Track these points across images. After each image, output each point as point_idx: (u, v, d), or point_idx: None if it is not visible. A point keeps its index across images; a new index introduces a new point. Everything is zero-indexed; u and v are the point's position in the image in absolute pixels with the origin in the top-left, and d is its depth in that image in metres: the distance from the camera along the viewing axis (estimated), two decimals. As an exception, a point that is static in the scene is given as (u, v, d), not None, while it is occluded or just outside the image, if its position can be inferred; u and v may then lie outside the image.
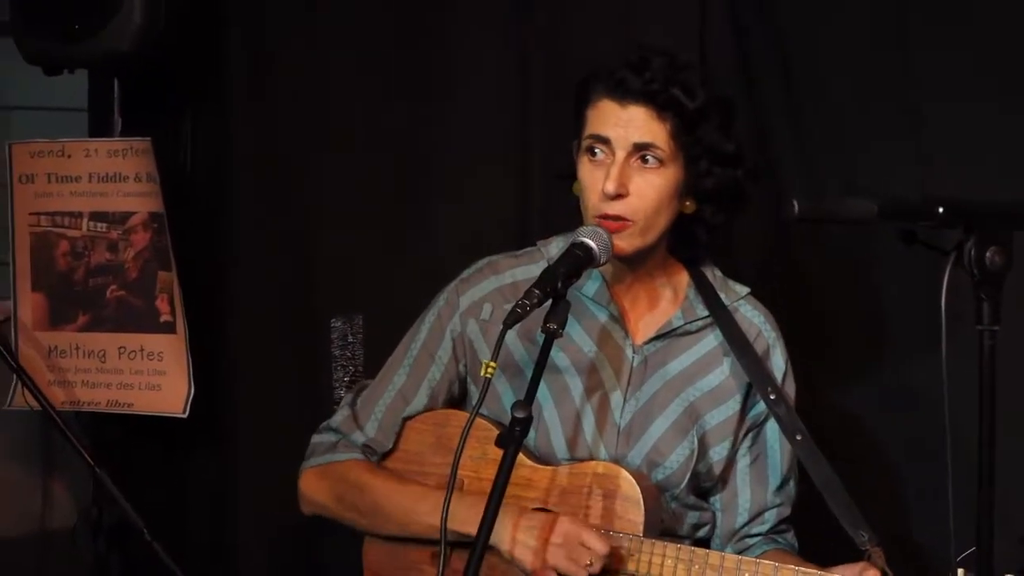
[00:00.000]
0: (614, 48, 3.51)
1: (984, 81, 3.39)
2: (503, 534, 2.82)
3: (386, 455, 3.07)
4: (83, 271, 4.02)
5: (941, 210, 2.18)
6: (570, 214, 2.98)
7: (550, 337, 2.69)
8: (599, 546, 2.78)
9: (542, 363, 2.69)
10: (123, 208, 3.97)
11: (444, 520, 2.64)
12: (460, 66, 3.90)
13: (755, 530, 3.03)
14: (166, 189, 3.91)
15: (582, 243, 2.79)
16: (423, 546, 2.94)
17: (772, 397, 2.93)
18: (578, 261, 2.78)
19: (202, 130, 4.10)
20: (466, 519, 2.75)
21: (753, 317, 3.03)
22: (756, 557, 2.92)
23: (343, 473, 3.06)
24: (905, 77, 3.48)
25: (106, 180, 3.98)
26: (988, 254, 2.18)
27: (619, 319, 2.99)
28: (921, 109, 3.45)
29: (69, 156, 4.00)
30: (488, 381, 2.63)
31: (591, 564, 2.78)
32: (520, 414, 2.61)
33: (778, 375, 3.00)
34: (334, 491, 3.06)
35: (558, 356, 2.97)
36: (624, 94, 2.85)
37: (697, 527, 3.01)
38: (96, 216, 4.00)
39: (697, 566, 2.80)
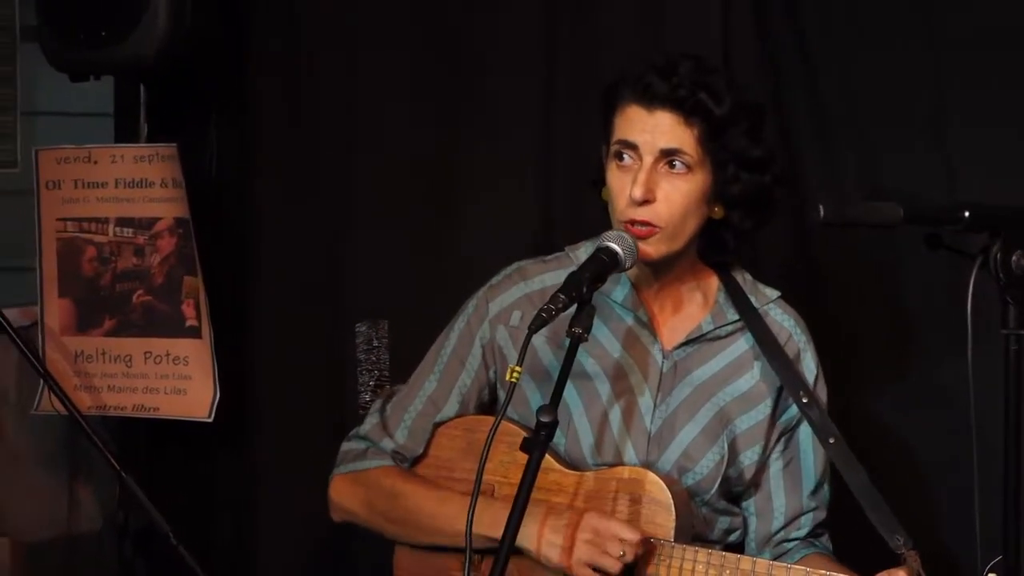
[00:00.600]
0: (639, 52, 3.52)
1: (1012, 85, 3.38)
2: (530, 534, 2.81)
3: (416, 461, 3.07)
4: (109, 276, 4.03)
5: (967, 214, 2.17)
6: (596, 219, 2.98)
7: (575, 341, 2.68)
8: (630, 535, 2.77)
9: (567, 367, 2.68)
10: (149, 214, 3.99)
11: (469, 524, 2.63)
12: (487, 70, 3.89)
13: (792, 535, 3.02)
14: (192, 194, 3.92)
15: (607, 247, 2.78)
16: (454, 553, 2.92)
17: (805, 401, 2.92)
18: (603, 265, 2.77)
19: (228, 135, 4.12)
20: (494, 523, 2.74)
21: (783, 321, 3.02)
22: (794, 562, 2.92)
23: (374, 480, 3.05)
24: (933, 80, 3.46)
25: (132, 186, 3.99)
26: (1014, 258, 2.18)
27: (648, 324, 2.99)
28: (947, 112, 3.43)
29: (95, 162, 4.02)
30: (513, 386, 2.62)
31: (624, 555, 2.77)
32: (545, 418, 2.60)
33: (810, 378, 2.99)
34: (364, 498, 3.06)
35: (587, 361, 2.97)
36: (651, 99, 2.85)
37: (728, 532, 3.00)
38: (122, 222, 4.01)
39: (728, 571, 2.79)
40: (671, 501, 2.84)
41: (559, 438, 2.92)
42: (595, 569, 2.79)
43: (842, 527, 3.03)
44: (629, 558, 2.78)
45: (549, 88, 3.85)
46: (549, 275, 3.02)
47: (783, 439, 3.02)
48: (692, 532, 2.89)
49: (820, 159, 3.58)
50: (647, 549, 2.81)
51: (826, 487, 3.04)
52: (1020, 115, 3.37)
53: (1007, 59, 3.38)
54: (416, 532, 3.00)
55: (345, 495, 3.09)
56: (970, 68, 3.43)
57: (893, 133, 3.49)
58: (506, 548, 2.56)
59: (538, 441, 2.61)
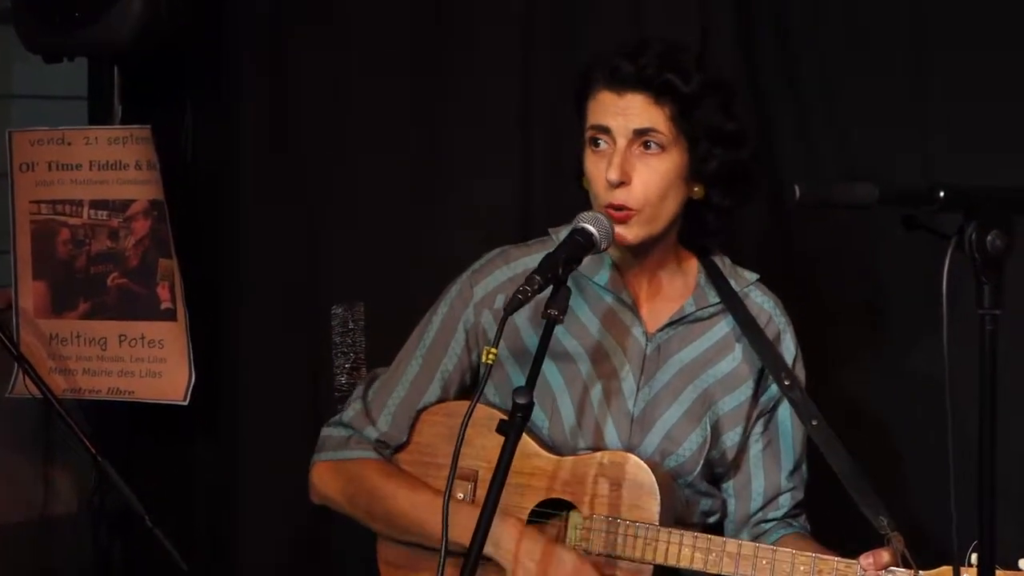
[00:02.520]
0: (618, 37, 3.51)
1: (991, 64, 3.38)
2: (505, 549, 2.83)
3: (399, 448, 3.06)
4: (84, 259, 4.02)
5: (942, 194, 2.17)
6: (576, 205, 2.97)
7: (551, 323, 2.67)
8: None
9: (543, 349, 2.67)
10: (123, 196, 3.98)
11: (445, 523, 2.60)
12: (467, 57, 3.89)
13: (770, 515, 3.03)
14: (166, 177, 3.92)
15: (582, 229, 2.78)
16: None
17: (786, 383, 2.93)
18: (578, 247, 2.76)
19: (203, 117, 4.12)
20: (467, 529, 2.65)
21: (763, 303, 3.03)
22: (773, 542, 2.93)
23: (356, 474, 3.05)
24: (913, 62, 3.47)
25: (106, 168, 3.99)
26: (989, 238, 2.18)
27: (631, 307, 2.99)
28: (926, 92, 3.44)
29: (69, 144, 4.01)
30: (490, 368, 2.61)
31: None
32: (521, 400, 2.59)
33: (789, 360, 3.00)
34: (346, 492, 3.05)
35: (571, 344, 2.97)
36: (621, 82, 2.85)
37: (708, 514, 3.01)
38: (97, 204, 4.01)
39: (714, 554, 2.80)
40: (655, 484, 2.84)
41: (542, 421, 2.93)
42: None
43: (824, 509, 3.03)
44: None
45: (528, 74, 3.84)
46: (532, 258, 3.00)
47: (762, 420, 3.03)
48: (676, 515, 2.89)
49: (797, 141, 3.58)
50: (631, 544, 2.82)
51: (804, 467, 3.05)
52: (999, 94, 3.37)
53: (987, 37, 3.38)
54: (396, 532, 3.01)
55: (327, 483, 3.08)
56: (950, 45, 3.43)
57: (870, 115, 3.50)
58: (476, 547, 2.54)
59: (514, 423, 2.59)
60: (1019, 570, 2.61)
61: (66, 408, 3.79)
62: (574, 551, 2.85)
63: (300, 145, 4.00)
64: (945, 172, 3.33)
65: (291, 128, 4.00)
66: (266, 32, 4.02)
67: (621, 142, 2.84)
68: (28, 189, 4.03)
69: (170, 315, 3.95)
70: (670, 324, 2.99)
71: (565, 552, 2.84)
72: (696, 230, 2.99)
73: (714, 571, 2.81)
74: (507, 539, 2.83)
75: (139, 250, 3.97)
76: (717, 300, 3.00)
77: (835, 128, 3.54)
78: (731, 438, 3.00)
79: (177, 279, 3.92)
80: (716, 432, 2.97)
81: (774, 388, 2.99)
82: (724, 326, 3.01)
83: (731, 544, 2.80)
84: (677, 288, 3.02)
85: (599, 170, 2.86)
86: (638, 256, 2.96)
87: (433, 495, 2.94)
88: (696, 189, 2.90)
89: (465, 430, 2.58)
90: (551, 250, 2.84)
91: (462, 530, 2.67)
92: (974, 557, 2.34)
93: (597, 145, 2.88)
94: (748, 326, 2.97)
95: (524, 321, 2.89)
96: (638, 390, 2.96)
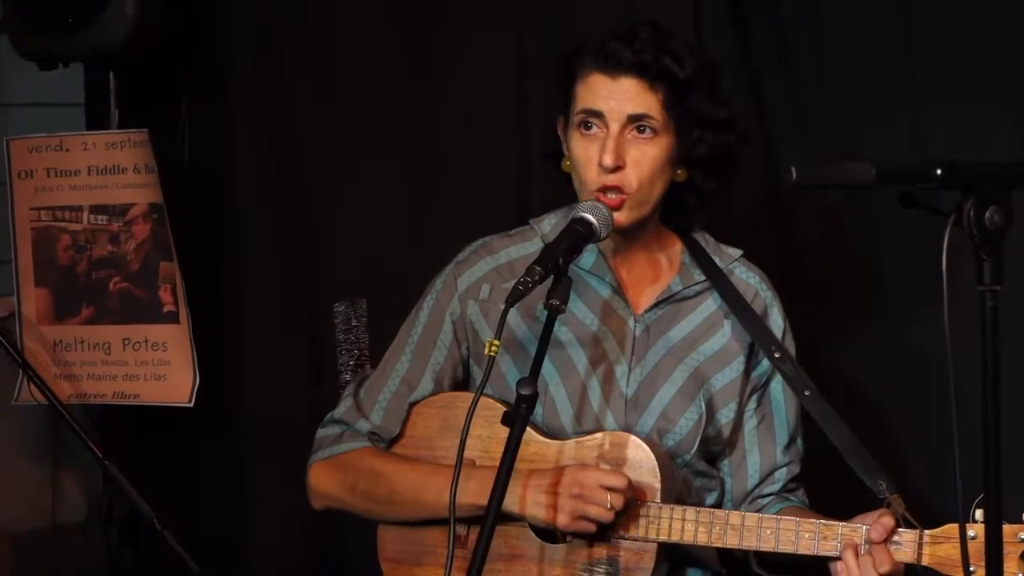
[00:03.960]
0: (610, 21, 3.52)
1: (983, 44, 3.39)
2: (513, 496, 2.80)
3: (393, 442, 3.06)
4: (85, 264, 4.03)
5: (939, 172, 2.17)
6: (570, 199, 2.97)
7: (553, 313, 2.68)
8: (616, 481, 2.78)
9: (546, 340, 2.68)
10: (123, 200, 3.99)
11: (453, 496, 2.63)
12: (461, 57, 3.89)
13: (767, 490, 3.04)
14: (165, 179, 3.92)
15: (582, 218, 2.78)
16: (439, 527, 2.93)
17: (777, 355, 2.94)
18: (579, 237, 2.77)
19: (200, 119, 4.11)
20: (477, 492, 2.75)
21: (748, 278, 3.04)
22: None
23: (353, 462, 3.04)
24: (904, 40, 3.48)
25: (105, 173, 3.99)
26: (987, 214, 2.18)
27: (617, 289, 2.99)
28: (919, 71, 3.45)
29: (67, 150, 4.01)
30: (492, 360, 2.62)
31: (612, 503, 2.77)
32: (525, 391, 2.60)
33: (778, 333, 3.01)
34: (345, 482, 3.05)
35: (561, 331, 2.96)
36: (615, 66, 2.85)
37: (707, 493, 3.01)
38: (96, 209, 4.01)
39: (718, 527, 2.80)
40: (655, 463, 2.85)
41: (536, 409, 2.90)
42: (587, 520, 2.80)
43: (822, 479, 3.04)
44: (619, 504, 2.78)
45: (522, 65, 3.84)
46: (515, 248, 3.03)
47: (755, 396, 3.04)
48: (676, 494, 2.90)
49: (792, 121, 3.59)
50: (636, 495, 2.81)
51: (800, 441, 3.06)
52: (992, 73, 3.38)
53: (978, 16, 3.39)
54: (401, 509, 2.99)
55: (325, 481, 3.08)
56: (942, 26, 3.44)
57: (864, 94, 3.51)
58: (492, 514, 2.55)
59: (519, 413, 2.60)
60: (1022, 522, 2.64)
61: (72, 414, 3.80)
62: (578, 467, 2.83)
63: (296, 145, 4.00)
64: (937, 145, 3.35)
65: (287, 128, 4.01)
66: (259, 33, 4.03)
67: (614, 126, 2.85)
68: (27, 196, 4.04)
69: (173, 318, 3.95)
70: (657, 304, 3.00)
71: (573, 471, 2.81)
72: (677, 211, 3.00)
73: (718, 545, 2.82)
74: (514, 489, 2.80)
75: (140, 254, 3.98)
76: (703, 278, 3.01)
77: (828, 103, 3.55)
78: (725, 415, 3.00)
79: (179, 281, 3.93)
80: (711, 409, 2.98)
81: (765, 363, 3.00)
82: (711, 303, 3.02)
83: (734, 516, 2.81)
84: (662, 268, 3.03)
85: (590, 154, 2.87)
86: (624, 238, 2.96)
87: (434, 466, 2.94)
88: (679, 172, 2.92)
89: (470, 420, 2.59)
90: (533, 240, 2.88)
91: (471, 490, 2.73)
92: (978, 513, 2.36)
93: (588, 128, 2.88)
94: (735, 302, 2.98)
95: (513, 313, 2.88)
96: (630, 371, 2.97)
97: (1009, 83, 3.36)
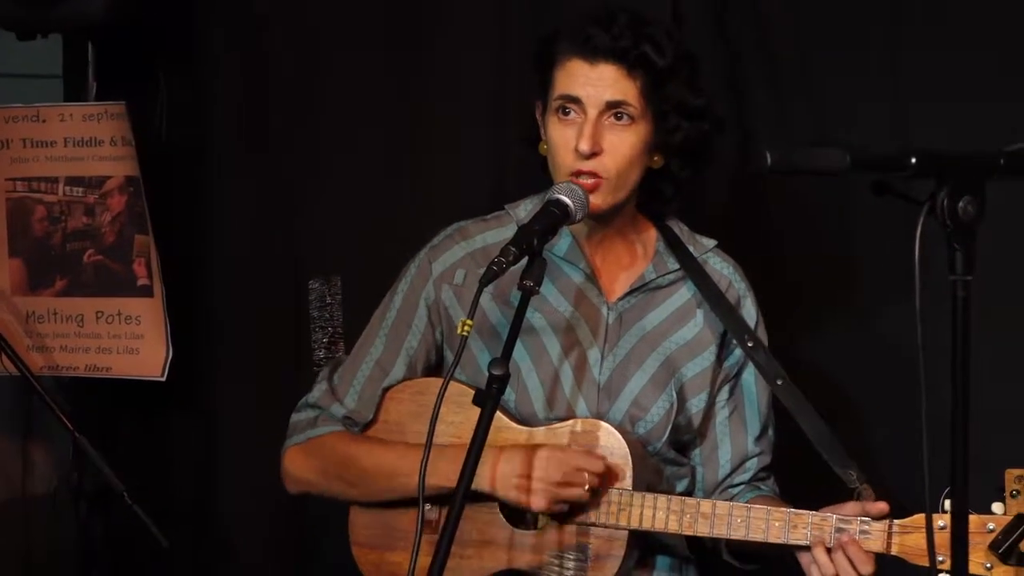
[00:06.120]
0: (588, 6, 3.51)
1: (964, 32, 3.40)
2: (483, 475, 2.79)
3: (367, 427, 3.05)
4: (60, 236, 4.02)
5: (913, 160, 2.17)
6: (550, 180, 2.96)
7: (527, 294, 2.67)
8: (590, 463, 2.79)
9: (519, 321, 2.67)
10: (99, 172, 3.98)
11: (422, 477, 2.63)
12: (443, 31, 3.88)
13: (738, 479, 3.04)
14: (142, 153, 3.91)
15: (558, 200, 2.77)
16: (410, 513, 2.91)
17: (750, 345, 2.94)
18: (554, 218, 2.76)
19: (177, 92, 4.10)
20: (447, 473, 2.72)
21: (723, 268, 3.04)
22: (742, 504, 2.95)
23: (327, 446, 3.04)
24: (884, 30, 3.48)
25: (82, 145, 3.98)
26: (961, 204, 2.18)
27: (591, 276, 2.99)
28: (900, 60, 3.46)
29: (44, 121, 4.00)
30: (465, 339, 2.60)
31: (587, 484, 2.78)
32: (497, 371, 2.59)
33: (751, 323, 3.01)
34: (319, 466, 3.04)
35: (534, 317, 2.96)
36: (594, 52, 2.84)
37: (677, 481, 3.01)
38: (72, 181, 4.00)
39: (689, 516, 2.81)
40: (627, 450, 2.85)
41: (508, 394, 2.91)
42: (562, 503, 2.80)
43: (792, 469, 3.04)
44: (595, 483, 2.78)
45: (503, 47, 3.84)
46: (490, 233, 3.02)
47: (727, 386, 3.04)
48: (648, 482, 2.90)
49: (771, 109, 3.59)
50: (610, 479, 2.82)
51: (771, 431, 3.07)
52: (972, 61, 3.39)
53: (962, 8, 3.40)
54: (374, 490, 2.99)
55: (299, 466, 3.07)
56: (925, 18, 3.44)
57: (844, 81, 3.51)
58: (461, 493, 2.55)
59: (490, 394, 2.60)
60: (993, 513, 2.66)
61: (44, 386, 3.79)
62: (551, 448, 2.83)
63: (275, 119, 3.99)
64: (919, 135, 3.36)
65: (265, 103, 3.99)
66: (239, 7, 4.01)
67: (592, 112, 2.84)
68: (3, 166, 4.03)
69: (147, 291, 3.94)
70: (631, 292, 2.99)
71: (547, 451, 2.82)
72: (652, 198, 3.00)
73: (689, 533, 2.83)
74: (484, 468, 2.78)
75: (115, 226, 3.97)
76: (677, 267, 3.01)
77: (808, 91, 3.55)
78: (696, 404, 3.00)
79: (154, 255, 3.92)
80: (682, 398, 2.98)
81: (737, 353, 3.00)
82: (685, 292, 3.02)
83: (705, 504, 2.81)
84: (637, 256, 3.03)
85: (566, 138, 2.86)
86: (599, 225, 2.96)
87: (406, 447, 2.93)
88: (656, 159, 2.91)
89: (441, 400, 2.58)
90: (508, 225, 2.87)
91: (442, 472, 2.71)
92: (947, 504, 2.36)
93: (566, 114, 2.87)
94: (709, 291, 2.98)
95: (485, 297, 2.87)
96: (603, 359, 2.97)
97: (993, 77, 3.37)
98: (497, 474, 2.82)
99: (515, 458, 2.82)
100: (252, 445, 3.90)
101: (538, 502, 2.80)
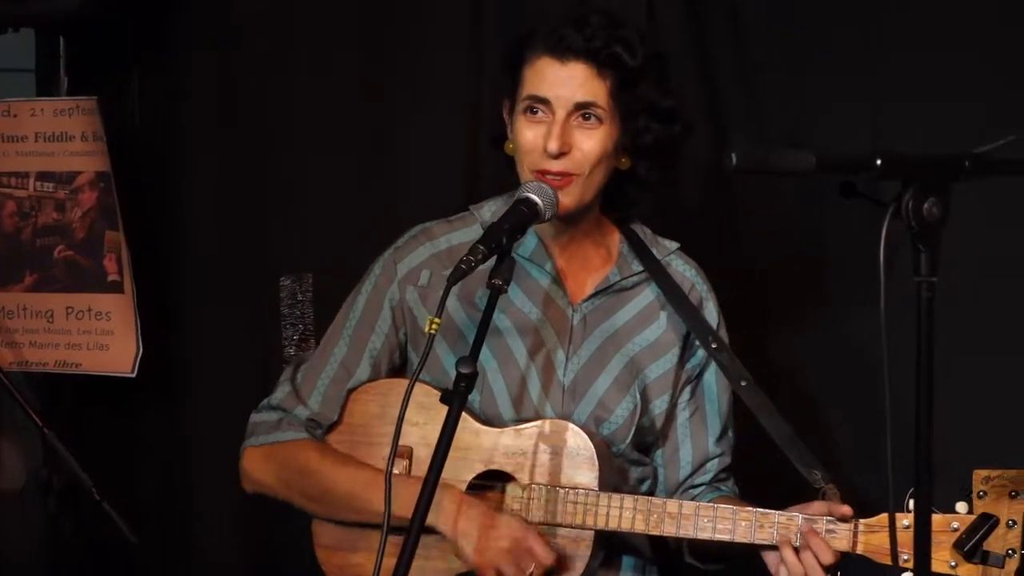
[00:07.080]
0: (562, 5, 3.52)
1: (941, 31, 3.41)
2: (446, 518, 2.82)
3: (331, 428, 3.03)
4: (30, 231, 4.01)
5: (879, 162, 2.18)
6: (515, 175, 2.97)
7: (495, 293, 2.66)
8: (544, 555, 2.80)
9: (487, 318, 2.67)
10: (70, 168, 3.97)
11: (388, 498, 2.60)
12: (415, 31, 3.89)
13: (698, 480, 3.05)
14: (113, 148, 3.90)
15: (527, 198, 2.77)
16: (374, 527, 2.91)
17: (714, 345, 2.95)
18: (523, 217, 2.75)
19: (149, 88, 4.09)
20: (409, 506, 2.62)
21: (685, 271, 3.04)
22: (703, 505, 2.95)
23: (289, 456, 3.01)
24: (860, 27, 3.50)
25: (53, 140, 3.97)
26: (926, 206, 2.19)
27: (558, 279, 2.99)
28: (874, 59, 3.47)
29: (15, 116, 3.99)
30: (432, 337, 2.59)
31: (533, 572, 2.80)
32: (465, 369, 2.58)
33: (713, 324, 3.01)
34: (280, 475, 3.02)
35: (499, 318, 2.95)
36: (565, 51, 2.83)
37: (640, 483, 3.02)
38: (43, 176, 3.99)
39: (655, 516, 2.81)
40: (593, 451, 2.85)
41: (474, 396, 2.90)
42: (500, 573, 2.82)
43: (756, 469, 3.05)
44: (537, 574, 2.81)
45: (478, 43, 3.85)
46: (456, 234, 3.01)
47: (688, 387, 3.05)
48: (613, 482, 2.90)
49: (745, 109, 3.60)
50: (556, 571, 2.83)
51: (731, 433, 3.07)
52: (948, 61, 3.41)
53: (941, 8, 3.42)
54: (333, 510, 2.98)
55: (259, 469, 3.05)
56: (903, 17, 3.46)
57: (820, 81, 3.52)
58: (420, 515, 2.53)
59: (458, 392, 2.58)
60: (957, 512, 2.68)
61: (13, 381, 3.77)
62: (515, 516, 2.85)
63: (247, 116, 3.99)
64: (894, 136, 3.37)
65: (238, 99, 3.99)
66: (213, 2, 4.00)
67: (560, 113, 2.84)
68: (-27, 161, 4.02)
69: (117, 287, 3.94)
70: (596, 294, 3.00)
71: (506, 517, 2.84)
72: (617, 200, 3.00)
73: (655, 533, 2.83)
74: (448, 507, 2.82)
75: (86, 222, 3.96)
76: (641, 269, 3.01)
77: (782, 92, 3.57)
78: (659, 406, 3.01)
79: (124, 251, 3.91)
80: (645, 399, 2.98)
81: (700, 354, 3.01)
82: (648, 294, 3.02)
83: (671, 504, 2.82)
84: (601, 258, 3.03)
85: (535, 138, 2.85)
86: (564, 226, 2.96)
87: (370, 471, 2.92)
88: (623, 160, 2.91)
89: (407, 403, 2.56)
90: (473, 226, 2.88)
91: (403, 503, 2.65)
92: (911, 503, 2.38)
93: (534, 113, 2.87)
94: (672, 293, 2.98)
95: (451, 299, 2.85)
96: (567, 360, 2.97)
97: (970, 77, 3.38)
98: (459, 529, 2.83)
99: (476, 514, 2.83)
100: (221, 442, 3.86)
101: (480, 561, 2.82)
